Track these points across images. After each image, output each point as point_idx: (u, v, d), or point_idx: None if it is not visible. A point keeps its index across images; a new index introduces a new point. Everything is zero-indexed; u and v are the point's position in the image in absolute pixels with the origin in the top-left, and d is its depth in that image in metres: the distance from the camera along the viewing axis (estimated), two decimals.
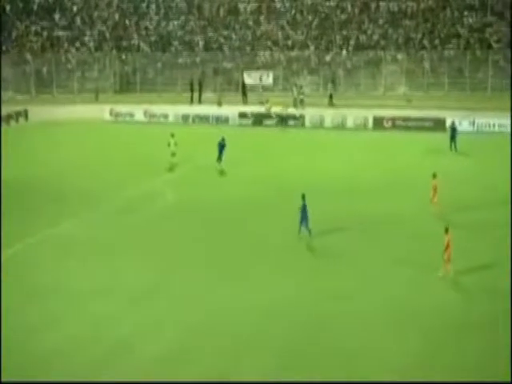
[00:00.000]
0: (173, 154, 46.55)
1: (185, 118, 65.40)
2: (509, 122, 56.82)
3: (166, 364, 22.21)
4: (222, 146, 46.23)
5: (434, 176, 36.00)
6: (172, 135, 46.91)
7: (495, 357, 22.72)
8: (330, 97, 65.80)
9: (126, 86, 76.16)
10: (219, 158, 46.12)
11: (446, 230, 28.63)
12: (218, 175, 45.66)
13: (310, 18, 76.46)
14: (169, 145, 46.84)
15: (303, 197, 32.61)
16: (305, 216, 32.68)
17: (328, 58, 72.28)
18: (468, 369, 22.02)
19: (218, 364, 22.13)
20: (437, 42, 70.38)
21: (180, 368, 21.91)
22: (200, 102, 69.36)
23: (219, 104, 66.94)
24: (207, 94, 70.66)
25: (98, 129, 62.98)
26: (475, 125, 57.42)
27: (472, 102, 62.23)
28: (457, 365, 22.32)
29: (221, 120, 64.19)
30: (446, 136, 52.52)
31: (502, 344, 23.23)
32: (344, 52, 72.22)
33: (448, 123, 54.86)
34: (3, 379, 21.01)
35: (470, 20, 71.10)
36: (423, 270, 29.36)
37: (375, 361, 22.52)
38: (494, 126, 57.70)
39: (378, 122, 60.15)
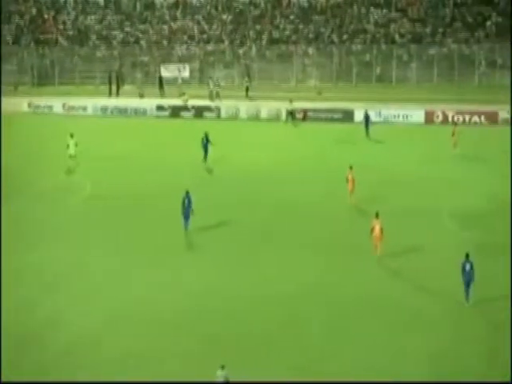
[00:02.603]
0: (71, 157, 45.31)
1: (103, 110, 65.98)
2: (412, 112, 59.35)
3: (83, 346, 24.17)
4: (205, 144, 45.86)
5: (351, 168, 37.35)
6: (71, 136, 45.73)
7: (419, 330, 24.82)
8: (246, 89, 67.04)
9: (44, 79, 76.14)
10: (205, 157, 45.85)
11: (377, 215, 30.34)
12: (138, 165, 46.46)
13: (224, 13, 77.74)
14: (68, 146, 45.30)
15: (187, 192, 33.54)
16: (188, 212, 33.59)
17: (242, 51, 73.51)
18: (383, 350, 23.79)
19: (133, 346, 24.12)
20: (345, 36, 72.43)
21: (95, 351, 23.85)
22: (118, 94, 70.15)
23: (141, 96, 67.91)
24: (125, 87, 71.48)
25: (16, 121, 62.37)
26: (381, 115, 59.15)
27: (378, 94, 64.26)
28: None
29: (139, 112, 64.74)
30: (355, 127, 54.70)
31: (431, 320, 25.28)
32: (258, 46, 73.40)
33: (356, 115, 57.53)
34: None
35: (376, 16, 73.42)
36: (350, 254, 31.13)
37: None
38: (398, 116, 59.57)
39: (291, 114, 61.33)
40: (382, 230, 30.08)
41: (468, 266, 26.44)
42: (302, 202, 38.49)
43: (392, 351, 23.78)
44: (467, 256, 26.50)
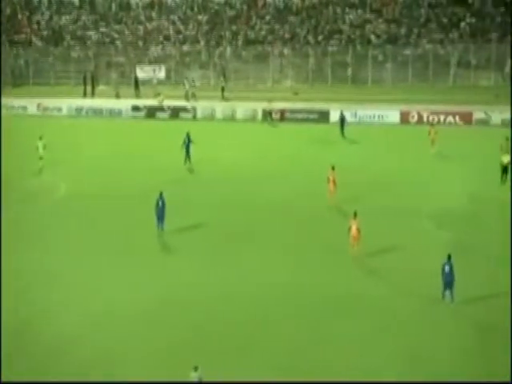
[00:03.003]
0: (40, 158, 45.25)
1: (78, 110, 65.50)
2: (387, 113, 59.59)
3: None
4: (187, 144, 45.46)
5: (333, 168, 37.48)
6: (40, 138, 45.69)
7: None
8: (222, 90, 66.92)
9: (19, 80, 75.52)
10: (187, 158, 45.47)
11: (355, 215, 30.51)
12: (114, 166, 46.33)
13: (200, 13, 77.61)
14: (37, 148, 45.29)
15: (161, 194, 33.46)
16: (162, 214, 33.52)
17: (218, 52, 73.34)
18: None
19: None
20: (320, 37, 72.42)
21: (67, 351, 23.97)
22: (93, 95, 69.81)
23: (117, 96, 67.75)
24: (101, 87, 71.14)
25: None
26: (357, 116, 59.16)
27: (354, 95, 64.33)
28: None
29: (114, 113, 64.44)
30: (331, 127, 54.70)
31: (408, 319, 25.50)
32: (233, 47, 73.33)
33: (332, 115, 57.71)
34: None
35: (351, 17, 73.55)
36: (327, 254, 31.27)
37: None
38: (374, 116, 59.67)
39: (267, 114, 61.19)
40: (358, 230, 30.18)
41: (447, 268, 26.40)
42: (279, 202, 38.57)
43: (368, 351, 23.84)
44: (449, 257, 26.47)
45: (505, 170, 41.51)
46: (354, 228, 30.21)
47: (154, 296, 27.69)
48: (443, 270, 26.42)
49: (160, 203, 33.53)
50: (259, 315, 26.33)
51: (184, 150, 45.84)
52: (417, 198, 38.98)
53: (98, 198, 39.81)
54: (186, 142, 45.99)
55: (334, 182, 37.17)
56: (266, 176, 43.74)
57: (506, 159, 41.67)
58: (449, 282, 26.19)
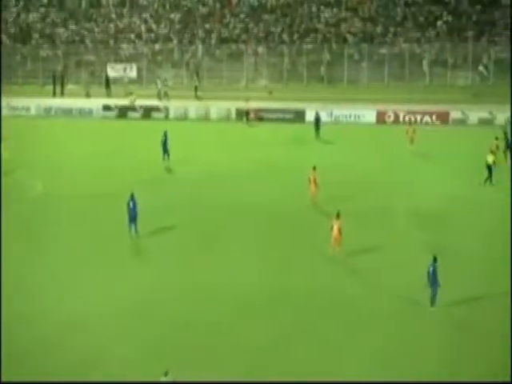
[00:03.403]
0: (5, 160, 44.44)
1: (47, 110, 64.29)
2: (363, 112, 59.36)
3: None
4: (164, 142, 45.08)
5: (314, 168, 37.27)
6: (3, 139, 45.04)
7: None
8: (195, 89, 66.44)
9: None
10: (164, 156, 45.15)
11: (337, 215, 30.22)
12: (84, 166, 45.47)
13: (172, 11, 76.74)
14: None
15: (132, 195, 32.89)
16: (134, 215, 32.93)
17: (191, 51, 72.74)
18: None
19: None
20: (296, 36, 71.97)
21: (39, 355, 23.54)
22: (63, 94, 68.82)
23: (87, 95, 67.03)
24: (70, 87, 70.09)
25: None
26: (333, 115, 58.87)
27: (329, 94, 64.03)
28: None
29: (84, 112, 63.58)
30: (307, 127, 54.29)
31: (387, 319, 25.41)
32: (207, 45, 72.74)
33: (308, 115, 57.30)
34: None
35: (327, 15, 73.09)
36: (307, 254, 31.11)
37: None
38: (350, 116, 59.37)
39: (241, 114, 60.88)
40: (340, 230, 30.04)
41: (431, 270, 26.07)
42: (256, 203, 38.24)
43: (347, 350, 23.75)
44: (434, 259, 26.17)
45: (490, 169, 41.38)
46: (335, 228, 30.05)
47: (126, 298, 27.33)
48: (428, 272, 26.12)
49: (131, 204, 33.03)
50: (235, 316, 26.05)
51: (162, 148, 45.51)
52: (396, 198, 38.86)
53: (70, 199, 39.31)
54: (163, 139, 45.59)
55: (315, 182, 36.99)
56: (242, 176, 43.45)
57: (490, 159, 41.52)
58: (431, 285, 26.01)
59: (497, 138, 44.89)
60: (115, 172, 44.49)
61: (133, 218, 33.03)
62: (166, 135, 45.67)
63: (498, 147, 44.07)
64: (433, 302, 26.03)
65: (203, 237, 33.53)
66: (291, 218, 35.99)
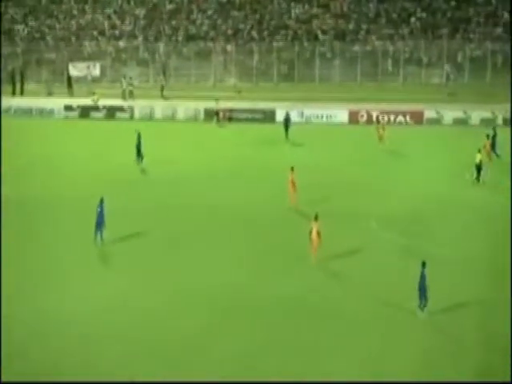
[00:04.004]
0: None
1: (6, 110, 61.88)
2: (335, 112, 58.57)
3: None
4: (138, 144, 44.12)
5: (292, 169, 36.69)
6: None
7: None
8: (161, 88, 65.61)
9: None
10: (139, 157, 44.29)
11: (316, 218, 29.62)
12: (56, 169, 44.54)
13: (137, 7, 75.93)
14: None
15: (102, 200, 31.89)
16: (101, 220, 31.95)
17: (157, 48, 71.86)
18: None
19: None
20: (265, 33, 71.29)
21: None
22: (22, 93, 67.48)
23: (50, 94, 66.42)
24: (31, 86, 68.64)
25: None
26: (304, 115, 58.27)
27: (300, 93, 63.34)
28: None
29: (45, 112, 62.22)
30: (277, 127, 53.48)
31: (364, 323, 25.03)
32: (173, 43, 71.99)
33: (278, 115, 56.63)
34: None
35: (297, 11, 72.44)
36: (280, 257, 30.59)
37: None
38: (322, 116, 58.72)
39: (210, 114, 59.53)
40: (319, 232, 29.60)
41: (420, 275, 25.59)
42: (229, 205, 37.46)
43: (324, 354, 23.38)
44: (423, 265, 25.56)
45: (478, 168, 41.23)
46: (314, 231, 29.61)
47: (92, 307, 26.55)
48: (422, 277, 25.62)
49: (99, 210, 32.04)
50: (209, 322, 25.48)
51: (136, 150, 44.63)
52: (369, 200, 38.15)
53: (33, 203, 37.96)
54: (138, 142, 44.63)
55: (293, 183, 36.54)
56: (214, 178, 42.58)
57: (478, 158, 41.20)
58: (419, 291, 25.52)
59: (488, 137, 44.66)
60: (80, 175, 43.32)
61: (99, 223, 32.04)
62: (139, 137, 44.58)
63: (487, 146, 44.06)
64: (424, 306, 25.56)
65: (172, 242, 32.66)
66: (265, 219, 35.42)
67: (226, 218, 35.54)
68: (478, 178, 40.84)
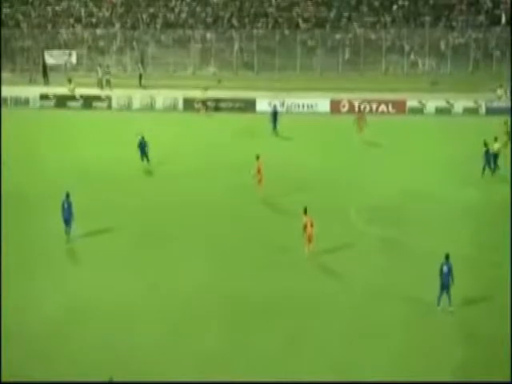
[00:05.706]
0: None
1: None
2: (317, 101, 58.05)
3: None
4: (142, 147, 42.44)
5: (257, 158, 36.42)
6: None
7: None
8: (140, 77, 64.87)
9: None
10: (143, 158, 42.43)
11: (305, 211, 29.34)
12: (28, 162, 43.72)
13: None
14: None
15: (68, 195, 31.32)
16: (68, 217, 31.36)
17: (135, 36, 70.82)
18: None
19: None
20: (246, 20, 70.35)
21: None
22: None
23: (31, 81, 66.41)
24: (5, 74, 67.02)
25: None
26: (285, 105, 57.62)
27: (281, 83, 62.75)
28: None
29: (20, 102, 60.97)
30: (257, 117, 53.30)
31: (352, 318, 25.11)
32: (151, 30, 71.01)
33: (258, 104, 57.04)
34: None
35: None
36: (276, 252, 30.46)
37: None
38: (303, 106, 58.25)
39: (189, 103, 58.71)
40: (312, 223, 29.31)
41: (446, 269, 25.05)
42: (205, 199, 37.22)
43: (311, 350, 23.49)
44: (447, 257, 25.19)
45: (495, 158, 40.44)
46: (308, 225, 29.26)
47: (60, 305, 26.36)
48: (441, 271, 25.26)
49: (66, 205, 31.32)
50: (181, 320, 25.30)
51: (139, 151, 42.76)
52: (350, 193, 38.10)
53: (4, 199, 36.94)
54: (142, 144, 42.64)
55: (260, 171, 36.27)
56: (191, 170, 42.18)
57: (496, 146, 40.55)
58: (446, 285, 25.18)
59: (506, 123, 44.62)
60: (52, 169, 42.41)
61: (67, 219, 31.31)
62: (143, 139, 42.57)
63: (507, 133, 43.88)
64: (448, 303, 25.29)
65: (146, 238, 32.33)
66: (240, 212, 35.27)
67: (202, 214, 35.09)
68: (494, 170, 39.81)
